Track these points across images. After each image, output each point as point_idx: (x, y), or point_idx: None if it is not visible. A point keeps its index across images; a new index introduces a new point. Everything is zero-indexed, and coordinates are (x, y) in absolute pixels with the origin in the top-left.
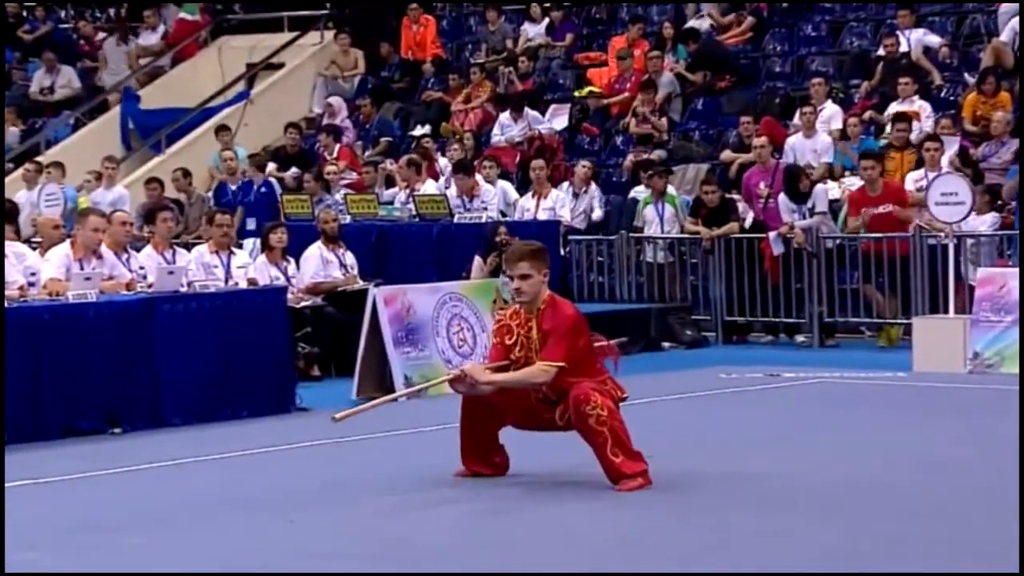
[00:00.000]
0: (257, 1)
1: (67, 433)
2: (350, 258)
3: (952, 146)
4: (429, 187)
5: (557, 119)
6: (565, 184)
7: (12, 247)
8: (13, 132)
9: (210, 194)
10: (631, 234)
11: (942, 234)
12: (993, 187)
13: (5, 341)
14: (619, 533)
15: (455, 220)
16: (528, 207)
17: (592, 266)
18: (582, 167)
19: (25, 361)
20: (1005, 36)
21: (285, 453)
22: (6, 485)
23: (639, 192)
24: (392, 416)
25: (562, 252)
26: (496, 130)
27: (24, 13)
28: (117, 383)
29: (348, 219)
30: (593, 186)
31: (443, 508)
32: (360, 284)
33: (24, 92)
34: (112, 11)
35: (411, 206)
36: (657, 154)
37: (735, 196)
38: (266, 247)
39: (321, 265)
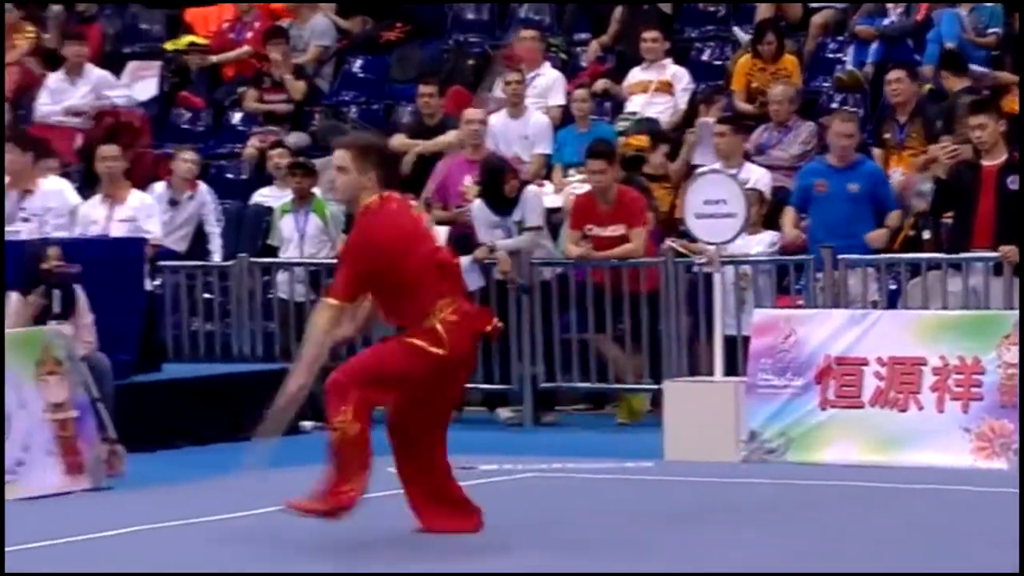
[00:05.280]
0: None
1: None
2: None
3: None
4: None
5: (140, 84)
6: (158, 185)
7: None
8: None
9: None
10: (255, 259)
11: (703, 260)
12: (776, 192)
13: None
14: None
15: None
16: (95, 218)
17: (196, 307)
18: (183, 160)
19: None
20: None
21: None
22: None
23: (269, 196)
24: None
25: (149, 285)
26: (44, 98)
27: None
28: None
29: None
30: (202, 188)
31: None
32: None
33: None
34: None
35: None
36: (295, 139)
37: (409, 201)
38: None
39: None
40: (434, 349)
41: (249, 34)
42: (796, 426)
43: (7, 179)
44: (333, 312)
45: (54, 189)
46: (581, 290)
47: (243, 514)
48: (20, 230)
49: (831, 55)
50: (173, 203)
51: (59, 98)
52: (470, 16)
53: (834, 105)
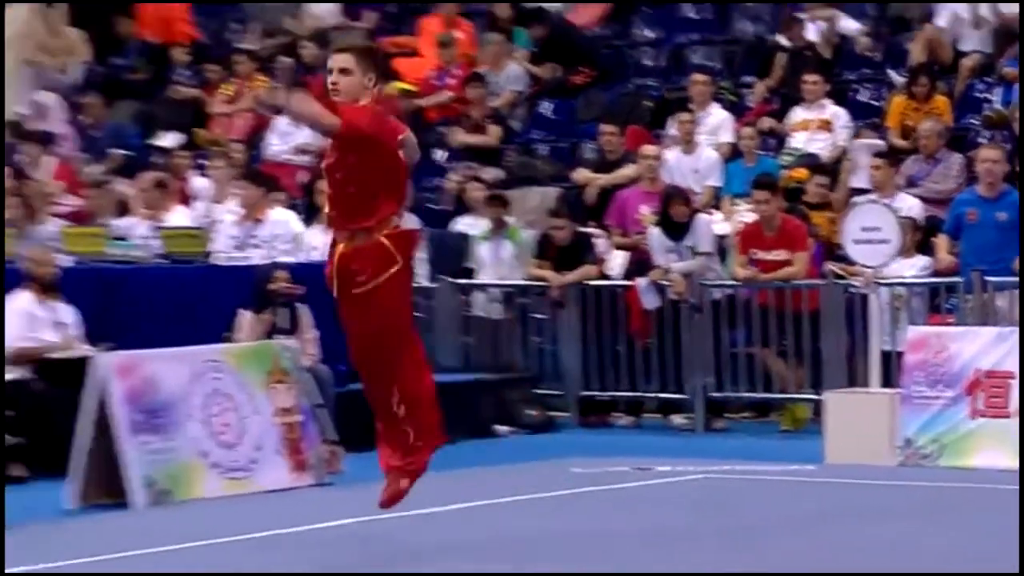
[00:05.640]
0: None
1: None
2: (68, 313)
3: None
4: (180, 217)
5: None
6: None
7: None
8: None
9: None
10: (456, 280)
11: (860, 281)
12: (930, 219)
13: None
14: None
15: (227, 258)
16: (317, 244)
17: None
18: None
19: None
20: (942, 22)
21: None
22: None
23: (468, 225)
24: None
25: None
26: (273, 139)
27: None
28: None
29: (66, 260)
30: (410, 218)
31: None
32: (82, 349)
33: None
34: None
35: (156, 242)
36: (491, 174)
37: (591, 230)
38: None
39: (27, 324)
40: (389, 272)
41: (451, 80)
42: (948, 434)
43: (242, 211)
44: (332, 122)
45: (281, 219)
46: (748, 309)
47: (447, 508)
48: (252, 256)
49: (979, 95)
50: None
51: (286, 139)
52: (648, 63)
53: (981, 140)
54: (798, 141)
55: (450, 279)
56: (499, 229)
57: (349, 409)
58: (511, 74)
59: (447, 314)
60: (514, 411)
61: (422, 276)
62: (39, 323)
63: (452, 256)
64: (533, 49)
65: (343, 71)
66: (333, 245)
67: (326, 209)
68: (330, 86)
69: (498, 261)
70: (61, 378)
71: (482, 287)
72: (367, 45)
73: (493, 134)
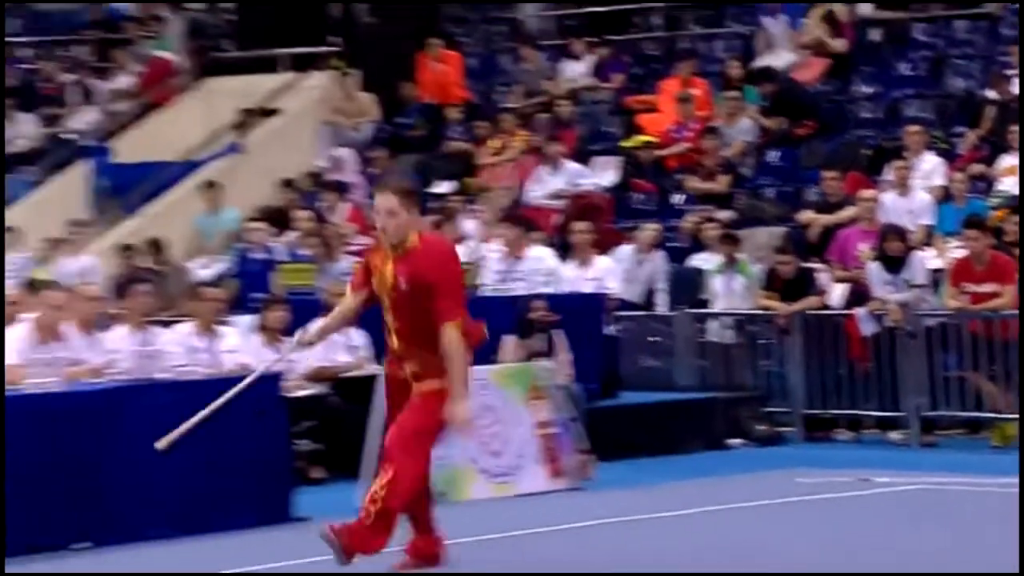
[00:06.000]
0: (250, 37)
1: (29, 549)
2: (359, 338)
3: None
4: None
5: (604, 174)
6: (627, 247)
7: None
8: None
9: (195, 263)
10: (692, 310)
11: None
12: None
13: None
14: None
15: (490, 291)
16: (570, 277)
17: (646, 347)
18: (651, 229)
19: None
20: None
21: (281, 573)
22: None
23: (702, 260)
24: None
25: (611, 330)
26: (532, 186)
27: None
28: (83, 488)
29: None
30: (658, 253)
31: None
32: (371, 368)
33: None
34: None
35: None
36: (724, 215)
37: (814, 265)
38: (262, 326)
39: (325, 347)
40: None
41: (688, 133)
42: None
43: (505, 249)
44: (466, 359)
45: (539, 255)
46: (959, 335)
47: (685, 512)
48: (514, 288)
49: None
50: (639, 264)
51: (544, 186)
52: (866, 115)
53: None
54: (1005, 185)
55: (687, 309)
56: (731, 264)
57: (599, 422)
58: (742, 127)
59: (684, 340)
60: (745, 426)
61: (662, 306)
62: (335, 346)
63: (689, 288)
64: (763, 104)
65: (390, 213)
66: (397, 361)
67: (391, 324)
68: (379, 228)
69: (730, 292)
70: (353, 394)
71: (716, 315)
72: (407, 187)
73: (723, 181)
